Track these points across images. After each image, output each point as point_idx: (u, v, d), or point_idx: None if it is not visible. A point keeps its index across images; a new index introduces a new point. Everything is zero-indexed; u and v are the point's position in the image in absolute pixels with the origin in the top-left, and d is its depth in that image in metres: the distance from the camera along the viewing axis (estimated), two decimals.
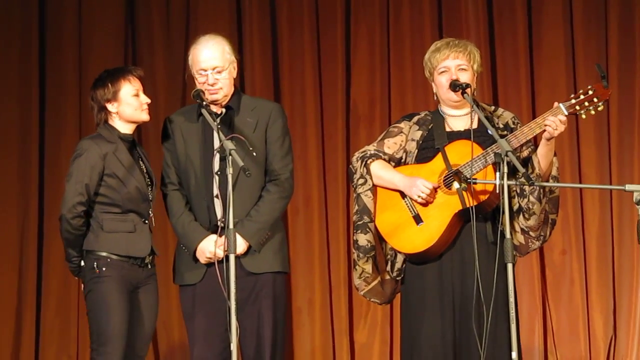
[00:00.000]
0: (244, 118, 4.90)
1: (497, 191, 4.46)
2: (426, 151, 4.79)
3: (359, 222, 4.82)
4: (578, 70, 7.04)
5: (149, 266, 4.92)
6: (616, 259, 6.92)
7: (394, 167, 4.85)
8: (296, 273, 7.05)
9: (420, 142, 4.82)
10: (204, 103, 4.80)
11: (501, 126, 4.76)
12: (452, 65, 4.76)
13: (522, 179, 4.48)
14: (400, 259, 4.80)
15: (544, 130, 4.58)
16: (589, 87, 4.60)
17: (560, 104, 4.58)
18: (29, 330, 7.12)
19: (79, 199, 4.84)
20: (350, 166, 4.91)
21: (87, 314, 4.89)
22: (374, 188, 4.84)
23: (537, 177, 4.60)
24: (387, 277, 4.86)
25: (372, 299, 4.91)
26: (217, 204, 4.84)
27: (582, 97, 4.58)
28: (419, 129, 4.85)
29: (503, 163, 4.41)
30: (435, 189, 4.70)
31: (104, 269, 4.82)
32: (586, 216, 6.97)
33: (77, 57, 7.28)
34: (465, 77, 4.75)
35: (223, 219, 4.78)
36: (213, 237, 4.82)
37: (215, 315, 4.77)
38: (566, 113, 4.57)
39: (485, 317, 4.51)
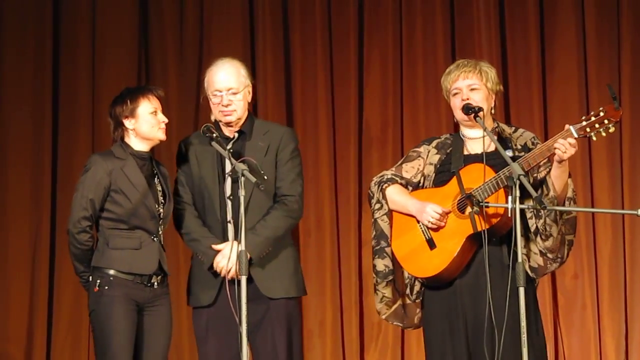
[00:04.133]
0: (256, 142, 4.92)
1: (510, 215, 4.45)
2: (442, 175, 4.79)
3: (376, 247, 4.83)
4: (591, 93, 7.04)
5: (156, 285, 4.91)
6: (628, 284, 6.90)
7: (411, 191, 4.86)
8: (307, 295, 6.98)
9: (438, 166, 4.82)
10: (214, 135, 4.81)
11: (519, 147, 4.75)
12: (463, 85, 4.76)
13: (535, 203, 4.46)
14: (419, 282, 4.80)
15: (554, 153, 4.57)
16: (600, 108, 4.58)
17: (571, 126, 4.56)
18: (41, 346, 7.12)
19: (83, 213, 4.86)
20: (369, 190, 4.92)
21: (92, 332, 4.91)
22: (390, 212, 4.84)
23: (552, 199, 4.58)
24: (408, 300, 4.86)
25: (394, 322, 4.90)
26: (230, 229, 4.85)
27: (593, 118, 4.55)
28: (437, 153, 4.85)
29: (515, 187, 4.40)
30: (447, 214, 4.69)
31: (106, 287, 4.82)
32: (598, 240, 6.96)
33: (91, 72, 7.31)
34: (478, 97, 4.74)
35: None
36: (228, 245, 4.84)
37: (228, 338, 4.77)
38: (576, 135, 4.54)
39: (497, 341, 4.49)
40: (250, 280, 4.67)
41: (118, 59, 7.32)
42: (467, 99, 4.72)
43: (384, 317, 4.89)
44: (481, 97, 4.75)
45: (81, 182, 4.91)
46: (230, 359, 4.77)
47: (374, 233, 4.86)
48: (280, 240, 4.88)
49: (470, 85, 4.75)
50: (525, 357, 4.37)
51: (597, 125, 4.55)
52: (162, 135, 4.98)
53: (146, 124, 4.94)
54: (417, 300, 4.83)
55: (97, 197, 4.87)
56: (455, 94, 4.77)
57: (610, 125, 4.55)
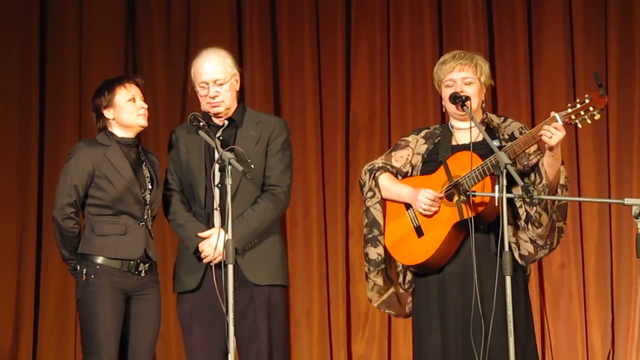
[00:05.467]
0: (247, 131, 4.92)
1: (496, 204, 4.45)
2: (429, 164, 4.79)
3: (368, 236, 4.82)
4: (578, 83, 7.05)
5: (144, 274, 4.91)
6: (615, 273, 6.92)
7: (401, 180, 4.86)
8: (294, 285, 7.04)
9: (425, 155, 4.82)
10: (201, 124, 4.81)
11: (506, 137, 4.75)
12: (457, 78, 4.74)
13: (522, 192, 4.45)
14: (410, 271, 4.81)
15: (541, 141, 4.57)
16: (586, 95, 4.56)
17: (556, 114, 4.55)
18: (27, 338, 7.11)
19: (67, 200, 4.88)
20: (360, 179, 4.92)
21: (79, 321, 4.91)
22: (383, 201, 4.83)
23: (544, 187, 4.58)
24: (401, 290, 4.86)
25: (387, 311, 4.90)
26: (216, 216, 4.85)
27: (578, 106, 4.53)
28: (425, 143, 4.85)
29: (502, 176, 4.40)
30: (440, 199, 4.68)
31: (92, 276, 4.83)
32: (585, 230, 6.97)
33: (78, 65, 7.30)
34: (471, 90, 4.72)
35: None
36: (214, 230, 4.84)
37: (213, 325, 4.77)
38: (561, 122, 4.52)
39: (484, 330, 4.50)
40: (235, 266, 4.67)
41: (105, 50, 7.31)
42: (462, 91, 4.71)
43: (375, 305, 4.89)
44: (474, 91, 4.74)
45: (65, 169, 4.93)
46: (216, 346, 4.77)
47: (366, 221, 4.85)
48: (275, 234, 4.91)
49: (465, 78, 4.74)
50: (511, 345, 4.37)
51: (582, 113, 4.53)
52: (142, 121, 5.00)
53: (124, 112, 4.96)
54: (409, 290, 4.83)
55: (80, 183, 4.88)
56: (449, 85, 4.76)
57: (595, 112, 4.53)
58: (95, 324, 4.80)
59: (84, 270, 4.85)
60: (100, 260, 4.84)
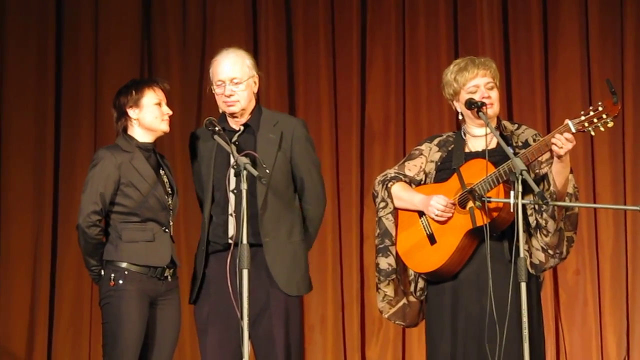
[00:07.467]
0: (266, 134, 4.87)
1: (512, 210, 4.44)
2: (443, 172, 4.78)
3: (380, 246, 4.82)
4: (594, 90, 7.04)
5: (169, 279, 4.91)
6: (630, 280, 6.91)
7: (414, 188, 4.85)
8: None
9: (439, 163, 4.82)
10: (217, 128, 4.80)
11: (520, 144, 4.74)
12: (481, 83, 4.72)
13: (537, 199, 4.44)
14: (422, 279, 4.80)
15: (552, 149, 4.56)
16: (599, 103, 4.53)
17: (569, 121, 4.53)
18: (42, 341, 7.13)
19: (93, 207, 4.85)
20: (373, 190, 4.91)
21: (102, 324, 4.90)
22: (395, 211, 4.83)
23: (552, 194, 4.57)
24: (412, 299, 4.85)
25: (396, 322, 4.89)
26: (231, 222, 4.83)
27: (591, 113, 4.51)
28: (438, 151, 4.84)
29: (518, 182, 4.39)
30: (453, 205, 4.66)
31: (120, 281, 4.82)
32: (600, 237, 6.96)
33: (93, 66, 7.31)
34: (495, 95, 4.72)
35: (232, 237, 4.78)
36: None
37: (228, 330, 4.76)
38: (574, 130, 4.50)
39: (499, 337, 4.49)
40: (263, 272, 4.68)
41: (121, 53, 7.32)
42: (489, 97, 4.70)
43: (386, 316, 4.88)
44: (497, 96, 4.74)
45: (90, 177, 4.89)
46: (230, 351, 4.76)
47: (378, 231, 4.85)
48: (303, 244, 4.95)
49: (487, 83, 4.72)
50: (526, 353, 4.36)
51: (595, 120, 4.51)
52: (165, 127, 4.99)
53: (150, 115, 4.95)
54: (421, 298, 4.82)
55: (107, 191, 4.86)
56: (472, 92, 4.72)
57: (608, 120, 4.51)
58: (122, 329, 4.80)
59: (112, 275, 4.84)
60: (128, 266, 4.84)
